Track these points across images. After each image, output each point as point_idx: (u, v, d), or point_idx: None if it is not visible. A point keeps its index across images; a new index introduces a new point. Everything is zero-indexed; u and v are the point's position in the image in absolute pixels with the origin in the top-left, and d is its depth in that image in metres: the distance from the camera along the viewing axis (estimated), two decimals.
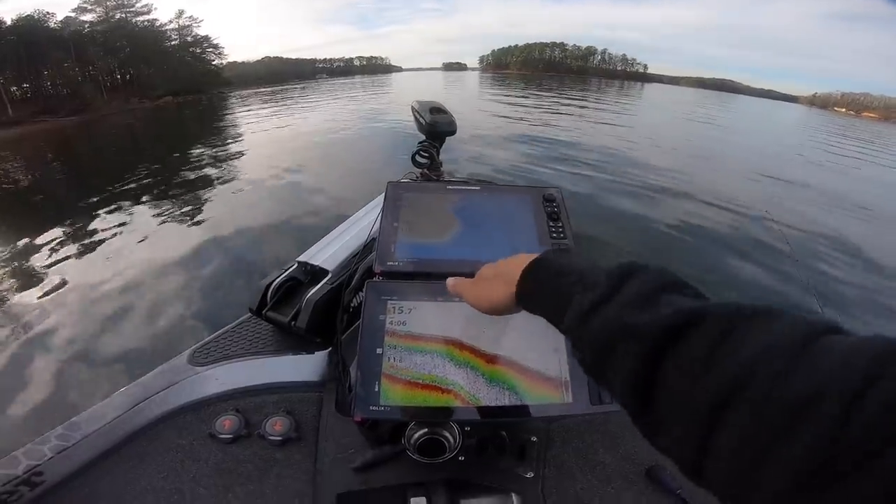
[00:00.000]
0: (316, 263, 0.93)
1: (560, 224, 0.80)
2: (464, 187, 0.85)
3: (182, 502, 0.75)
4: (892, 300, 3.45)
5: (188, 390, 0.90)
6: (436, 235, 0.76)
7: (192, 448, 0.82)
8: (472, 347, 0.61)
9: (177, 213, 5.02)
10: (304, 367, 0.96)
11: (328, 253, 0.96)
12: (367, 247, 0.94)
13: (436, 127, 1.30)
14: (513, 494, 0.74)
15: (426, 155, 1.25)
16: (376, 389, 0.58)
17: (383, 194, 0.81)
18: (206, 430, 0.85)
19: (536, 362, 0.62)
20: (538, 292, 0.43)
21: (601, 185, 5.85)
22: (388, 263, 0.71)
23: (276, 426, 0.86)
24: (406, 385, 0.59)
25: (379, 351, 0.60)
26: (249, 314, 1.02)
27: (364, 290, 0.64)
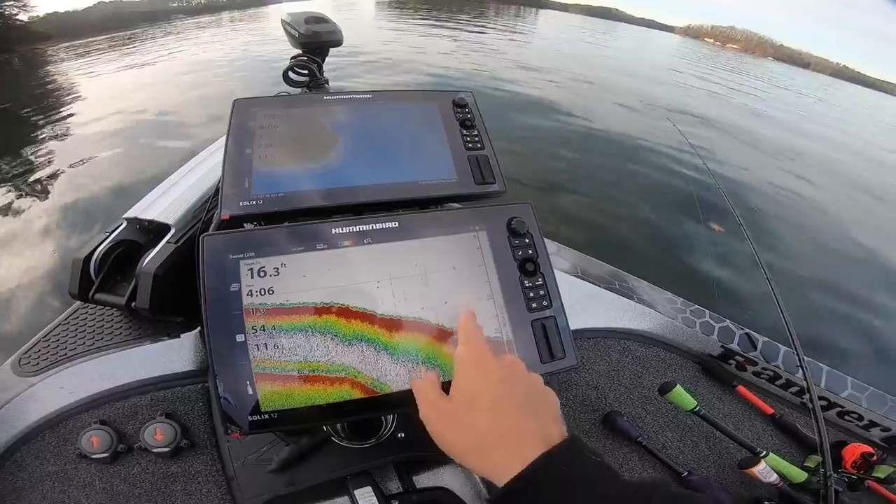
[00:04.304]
0: (150, 218, 0.66)
1: (475, 132, 0.63)
2: (348, 96, 0.63)
3: None
4: None
5: (29, 407, 0.71)
6: (311, 159, 0.55)
7: (66, 474, 0.67)
8: (364, 312, 0.43)
9: None
10: (171, 355, 0.76)
11: (166, 203, 0.69)
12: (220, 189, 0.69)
13: (315, 37, 1.02)
14: None
15: (303, 71, 0.97)
16: (250, 393, 0.39)
17: None
18: (73, 449, 0.69)
19: None
20: None
21: (505, 103, 5.75)
22: (241, 204, 0.49)
23: (158, 436, 0.69)
24: (285, 382, 0.41)
25: (240, 338, 0.40)
26: (80, 302, 0.74)
27: (200, 249, 0.42)
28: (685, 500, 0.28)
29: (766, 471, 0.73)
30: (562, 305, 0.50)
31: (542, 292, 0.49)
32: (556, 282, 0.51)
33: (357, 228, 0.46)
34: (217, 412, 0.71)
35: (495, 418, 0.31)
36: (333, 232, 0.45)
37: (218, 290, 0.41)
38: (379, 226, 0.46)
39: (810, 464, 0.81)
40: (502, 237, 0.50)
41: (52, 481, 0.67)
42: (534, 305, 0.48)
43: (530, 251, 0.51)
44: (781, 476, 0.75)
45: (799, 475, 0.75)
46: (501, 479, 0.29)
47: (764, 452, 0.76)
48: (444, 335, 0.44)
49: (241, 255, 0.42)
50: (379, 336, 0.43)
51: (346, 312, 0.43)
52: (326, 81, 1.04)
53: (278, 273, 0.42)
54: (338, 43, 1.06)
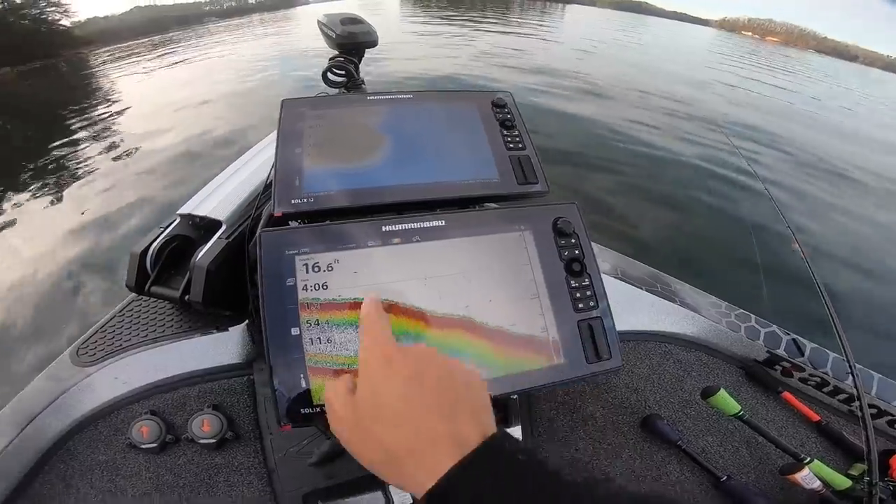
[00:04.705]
0: (203, 214, 0.69)
1: (516, 132, 0.63)
2: (390, 97, 0.64)
3: None
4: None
5: (85, 396, 0.74)
6: (357, 159, 0.56)
7: (115, 464, 0.70)
8: (411, 309, 0.44)
9: (34, 200, 4.05)
10: (220, 347, 0.79)
11: (217, 199, 0.72)
12: (270, 185, 0.72)
13: (351, 37, 1.04)
14: None
15: (341, 72, 1.00)
16: (304, 387, 0.41)
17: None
18: (124, 439, 0.71)
19: (513, 320, 0.47)
20: None
21: (545, 102, 5.62)
22: (293, 202, 0.51)
23: (205, 427, 0.71)
24: (337, 376, 0.42)
25: (295, 332, 0.42)
26: (133, 294, 0.78)
27: (257, 245, 0.44)
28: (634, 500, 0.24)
29: (808, 477, 0.71)
30: (608, 306, 0.50)
31: (588, 293, 0.49)
32: (602, 282, 0.50)
33: (406, 226, 0.47)
34: (263, 405, 0.74)
35: (401, 426, 0.27)
36: (384, 230, 0.46)
37: (274, 285, 0.43)
38: (427, 224, 0.47)
39: (854, 472, 0.78)
40: (548, 237, 0.50)
41: (101, 470, 0.69)
42: (580, 306, 0.48)
43: (576, 251, 0.50)
44: (824, 483, 0.73)
45: (843, 482, 0.73)
46: (418, 495, 0.26)
47: (808, 459, 0.74)
48: (488, 333, 0.45)
49: (297, 251, 0.44)
50: (424, 332, 0.44)
51: (394, 309, 0.44)
52: (363, 82, 1.06)
53: (331, 269, 0.44)
54: (373, 44, 1.08)
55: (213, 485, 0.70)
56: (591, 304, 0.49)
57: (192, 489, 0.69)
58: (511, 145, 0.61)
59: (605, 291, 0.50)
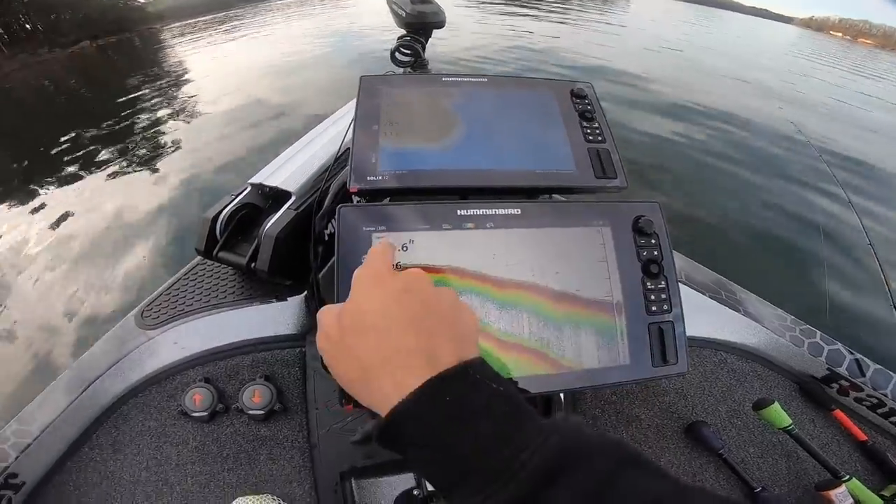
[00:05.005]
0: (273, 185, 0.71)
1: (596, 124, 0.60)
2: (466, 79, 0.63)
3: (171, 494, 0.68)
4: None
5: (145, 360, 0.77)
6: (432, 140, 0.55)
7: (164, 430, 0.73)
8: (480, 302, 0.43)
9: (112, 164, 4.28)
10: (277, 317, 0.81)
11: (288, 171, 0.73)
12: (340, 160, 0.73)
13: (420, 17, 1.03)
14: None
15: (408, 51, 0.99)
16: None
17: (356, 98, 0.58)
18: (176, 406, 0.74)
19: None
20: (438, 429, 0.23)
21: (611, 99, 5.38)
22: (369, 179, 0.51)
23: (256, 398, 0.74)
24: None
25: None
26: (200, 258, 0.82)
27: (336, 218, 0.44)
28: (590, 445, 0.23)
29: (842, 494, 0.71)
30: (682, 312, 0.47)
31: (663, 296, 0.47)
32: (678, 287, 0.48)
33: (481, 212, 0.46)
34: (312, 378, 0.75)
35: (380, 339, 0.26)
36: (459, 213, 0.45)
37: (350, 260, 0.43)
38: (502, 211, 0.46)
39: (887, 493, 0.77)
40: (627, 235, 0.48)
41: (150, 437, 0.72)
42: (654, 308, 0.46)
43: (655, 252, 0.48)
44: (857, 502, 0.72)
45: (875, 502, 0.72)
46: (384, 412, 0.25)
47: (847, 477, 0.73)
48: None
49: (374, 228, 0.44)
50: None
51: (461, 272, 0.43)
52: (427, 62, 1.06)
53: (406, 249, 0.43)
54: (441, 24, 1.06)
55: (255, 458, 0.71)
56: (665, 307, 0.47)
57: (236, 459, 0.71)
58: (591, 137, 0.58)
59: (680, 297, 0.48)
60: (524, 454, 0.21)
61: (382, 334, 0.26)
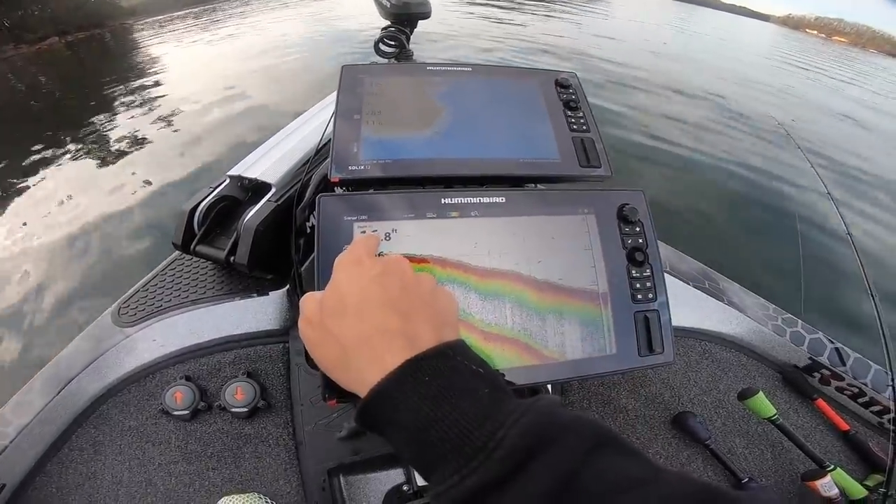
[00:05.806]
0: (252, 176, 0.70)
1: (580, 114, 0.60)
2: (450, 68, 0.62)
3: (155, 495, 0.66)
4: None
5: (123, 358, 0.74)
6: (415, 129, 0.54)
7: (145, 430, 0.71)
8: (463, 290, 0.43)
9: (82, 159, 4.12)
10: (259, 312, 0.79)
11: (269, 162, 0.71)
12: (322, 151, 0.71)
13: (405, 7, 1.02)
14: None
15: (392, 42, 0.98)
16: None
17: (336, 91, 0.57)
18: (157, 405, 0.72)
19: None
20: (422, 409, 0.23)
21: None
22: (351, 168, 0.50)
23: (239, 395, 0.72)
24: None
25: None
26: (178, 252, 0.80)
27: (317, 209, 0.43)
28: (564, 424, 0.22)
29: (828, 484, 0.73)
30: (667, 300, 0.47)
31: (648, 284, 0.47)
32: (663, 275, 0.48)
33: (465, 200, 0.45)
34: (296, 373, 0.74)
35: (359, 320, 0.26)
36: (443, 202, 0.44)
37: (331, 251, 0.42)
38: (487, 200, 0.45)
39: (870, 482, 0.79)
40: (612, 223, 0.48)
41: (131, 436, 0.70)
42: (639, 297, 0.46)
43: (640, 240, 0.48)
44: (842, 491, 0.74)
45: (858, 492, 0.74)
46: (363, 392, 0.25)
47: (831, 467, 0.75)
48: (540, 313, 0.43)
49: (355, 218, 0.43)
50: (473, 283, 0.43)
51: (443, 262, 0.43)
52: (412, 53, 1.04)
53: (389, 238, 0.43)
54: (426, 15, 1.05)
55: (240, 456, 0.70)
56: (651, 295, 0.47)
57: (220, 459, 0.69)
58: (575, 126, 0.58)
59: (665, 284, 0.48)
60: (499, 432, 0.21)
61: (362, 315, 0.27)
